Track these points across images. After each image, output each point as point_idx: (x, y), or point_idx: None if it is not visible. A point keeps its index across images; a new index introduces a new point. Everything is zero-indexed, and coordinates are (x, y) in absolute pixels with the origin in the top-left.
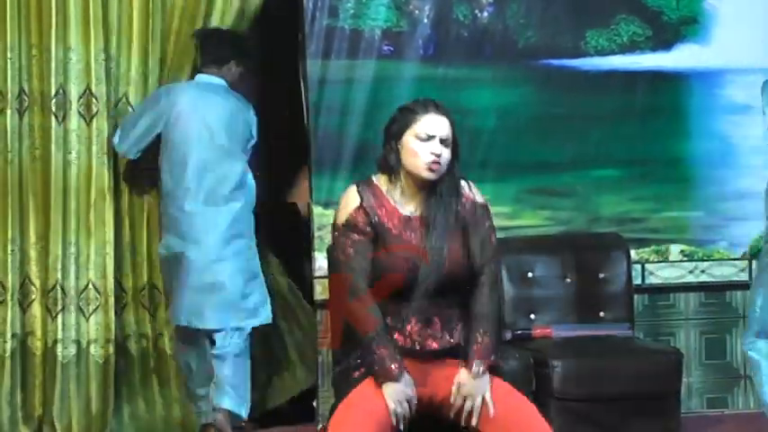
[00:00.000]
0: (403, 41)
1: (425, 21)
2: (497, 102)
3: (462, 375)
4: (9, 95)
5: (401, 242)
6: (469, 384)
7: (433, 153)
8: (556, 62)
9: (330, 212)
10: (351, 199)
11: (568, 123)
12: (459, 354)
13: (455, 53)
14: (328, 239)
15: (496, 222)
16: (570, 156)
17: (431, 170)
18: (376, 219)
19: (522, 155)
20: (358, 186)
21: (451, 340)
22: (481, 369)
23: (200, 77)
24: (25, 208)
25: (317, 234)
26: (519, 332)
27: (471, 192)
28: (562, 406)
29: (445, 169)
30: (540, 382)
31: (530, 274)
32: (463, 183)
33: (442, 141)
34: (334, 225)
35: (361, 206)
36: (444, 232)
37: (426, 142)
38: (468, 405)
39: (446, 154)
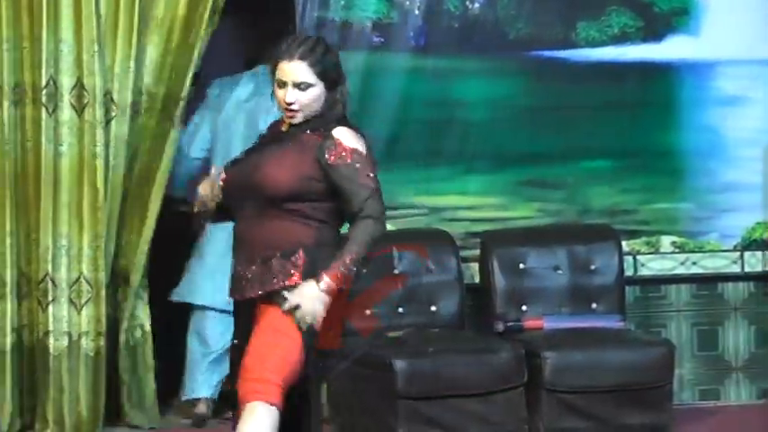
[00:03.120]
0: (393, 33)
1: (416, 12)
2: (488, 93)
3: (306, 284)
4: (6, 88)
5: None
6: (303, 294)
7: (285, 101)
8: (547, 53)
9: None
10: None
11: (559, 115)
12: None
13: (446, 44)
14: None
15: (487, 214)
16: (561, 147)
17: (289, 117)
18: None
19: (512, 146)
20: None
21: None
22: (322, 285)
23: None
24: (20, 200)
25: None
26: (510, 324)
27: (344, 137)
28: (553, 397)
29: (311, 111)
30: (532, 374)
31: (521, 266)
32: (342, 129)
33: (297, 86)
34: None
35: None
36: (270, 155)
37: (282, 89)
38: (285, 307)
39: (303, 98)
